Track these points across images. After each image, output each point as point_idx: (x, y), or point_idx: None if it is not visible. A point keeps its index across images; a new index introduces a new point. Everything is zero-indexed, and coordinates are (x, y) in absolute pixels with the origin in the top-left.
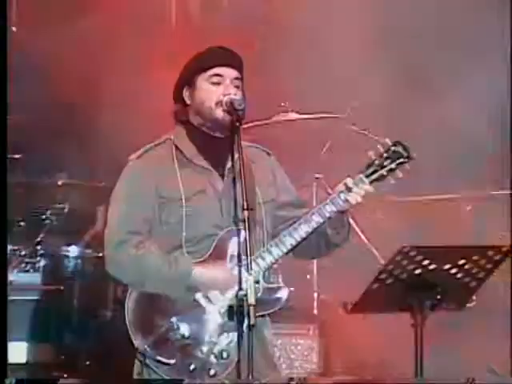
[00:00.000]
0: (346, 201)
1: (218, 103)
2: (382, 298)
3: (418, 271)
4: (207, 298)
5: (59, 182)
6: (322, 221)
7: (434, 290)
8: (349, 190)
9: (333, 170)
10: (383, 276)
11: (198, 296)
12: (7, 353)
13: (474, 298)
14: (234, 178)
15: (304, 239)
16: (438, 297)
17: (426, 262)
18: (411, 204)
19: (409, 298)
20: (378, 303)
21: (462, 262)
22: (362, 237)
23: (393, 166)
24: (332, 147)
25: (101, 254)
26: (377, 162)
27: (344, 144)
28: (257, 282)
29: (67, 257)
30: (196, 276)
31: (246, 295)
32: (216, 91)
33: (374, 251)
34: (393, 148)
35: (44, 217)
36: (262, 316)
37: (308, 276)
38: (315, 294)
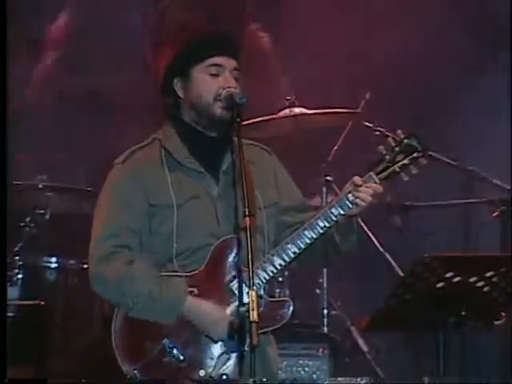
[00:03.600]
0: (355, 202)
1: (217, 97)
2: (400, 315)
3: (440, 285)
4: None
5: (40, 185)
6: (328, 225)
7: (458, 306)
8: (357, 189)
9: (344, 172)
10: (401, 290)
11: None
12: (6, 353)
13: (502, 314)
14: (232, 181)
15: (308, 246)
16: (463, 313)
17: (449, 275)
18: (433, 208)
19: (430, 315)
20: (395, 321)
21: (489, 274)
22: (377, 244)
23: (406, 161)
24: (344, 146)
25: (86, 266)
26: (388, 157)
27: (358, 142)
28: (260, 296)
29: (48, 269)
30: (188, 308)
31: (247, 311)
32: (214, 83)
33: (392, 261)
34: (406, 141)
35: (22, 224)
36: (265, 333)
37: (317, 290)
38: (325, 311)
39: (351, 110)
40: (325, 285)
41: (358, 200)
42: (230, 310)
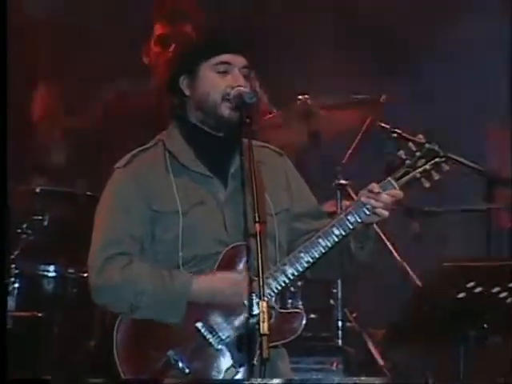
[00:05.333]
0: (372, 209)
1: (225, 97)
2: (418, 328)
3: (460, 295)
4: (210, 327)
5: (37, 189)
6: (343, 234)
7: (479, 319)
8: (375, 196)
9: (360, 175)
10: (419, 301)
11: (199, 325)
12: (6, 351)
13: None
14: (241, 185)
15: (322, 255)
16: (485, 326)
17: (470, 285)
18: (453, 214)
19: (450, 328)
20: (412, 334)
21: None
22: (394, 253)
23: (427, 166)
24: (360, 148)
25: (86, 275)
26: (408, 161)
27: (374, 144)
28: (271, 307)
29: (46, 277)
30: (198, 288)
31: (257, 323)
32: (222, 82)
33: (409, 271)
34: (427, 145)
35: (19, 230)
36: (276, 346)
37: (332, 301)
38: (340, 323)
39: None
40: (339, 295)
41: (377, 210)
42: (238, 321)
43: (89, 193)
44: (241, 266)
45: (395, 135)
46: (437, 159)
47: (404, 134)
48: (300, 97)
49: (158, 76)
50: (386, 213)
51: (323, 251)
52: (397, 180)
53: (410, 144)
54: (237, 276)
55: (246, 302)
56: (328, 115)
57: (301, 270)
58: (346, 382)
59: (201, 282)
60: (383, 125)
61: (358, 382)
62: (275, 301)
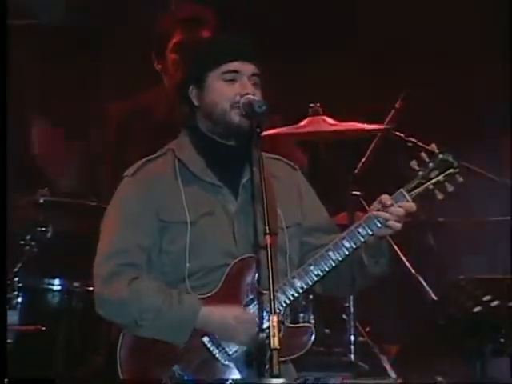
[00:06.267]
0: (384, 222)
1: (234, 105)
2: (434, 342)
3: (477, 309)
4: (217, 341)
5: (41, 200)
6: (354, 247)
7: (496, 332)
8: (386, 208)
9: (373, 186)
10: (435, 315)
11: (206, 339)
12: (6, 350)
13: None
14: (252, 196)
15: (332, 269)
16: (502, 340)
17: (486, 298)
18: (469, 225)
19: (466, 342)
20: (428, 348)
21: None
22: (409, 265)
23: (440, 178)
24: (372, 158)
25: (91, 288)
26: (421, 173)
27: (388, 153)
28: (282, 322)
29: (51, 291)
30: (205, 315)
31: (267, 338)
32: (231, 90)
33: (424, 284)
34: (440, 156)
35: (22, 242)
36: (283, 362)
37: (344, 315)
38: (352, 337)
39: (378, 127)
40: (352, 309)
41: (389, 223)
42: (244, 336)
43: (94, 203)
44: (249, 279)
45: (410, 144)
46: (451, 170)
47: (414, 140)
48: (312, 104)
49: (171, 82)
50: (398, 225)
51: (333, 264)
52: (409, 192)
53: (423, 154)
54: (244, 314)
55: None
56: (339, 123)
57: (310, 283)
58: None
59: (207, 312)
60: (398, 133)
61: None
62: (284, 314)
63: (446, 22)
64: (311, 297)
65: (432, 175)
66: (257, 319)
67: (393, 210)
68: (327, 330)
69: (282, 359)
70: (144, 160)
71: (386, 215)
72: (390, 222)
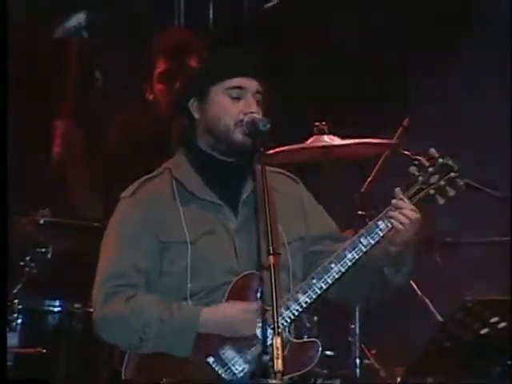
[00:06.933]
0: (386, 229)
1: (238, 123)
2: (440, 364)
3: (484, 331)
4: (222, 361)
5: (41, 221)
6: (357, 257)
7: (504, 355)
8: (388, 215)
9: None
10: (441, 337)
11: (211, 360)
12: (6, 348)
13: None
14: (253, 212)
15: (336, 281)
16: (509, 363)
17: (494, 320)
18: (477, 245)
19: (473, 365)
20: (434, 370)
21: None
22: (414, 286)
23: (442, 182)
24: (379, 177)
25: (91, 310)
26: (421, 178)
27: (393, 173)
28: (287, 341)
29: (51, 313)
30: (205, 318)
31: (271, 359)
32: (235, 108)
33: (430, 305)
34: (440, 160)
35: (22, 263)
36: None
37: (349, 338)
38: (358, 360)
39: (387, 141)
40: (357, 331)
41: (392, 220)
42: (251, 355)
43: (95, 224)
44: (251, 296)
45: (417, 162)
46: (451, 174)
47: (421, 158)
48: (317, 123)
49: (163, 112)
50: (399, 225)
51: (336, 276)
52: (410, 198)
53: (423, 159)
54: (246, 305)
55: (258, 333)
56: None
57: (314, 297)
58: None
59: (208, 312)
60: (405, 152)
61: None
62: (289, 330)
63: None
64: (316, 318)
65: (432, 180)
66: (257, 309)
67: (394, 215)
68: (331, 353)
69: (290, 375)
70: (141, 180)
71: (387, 221)
72: (393, 221)
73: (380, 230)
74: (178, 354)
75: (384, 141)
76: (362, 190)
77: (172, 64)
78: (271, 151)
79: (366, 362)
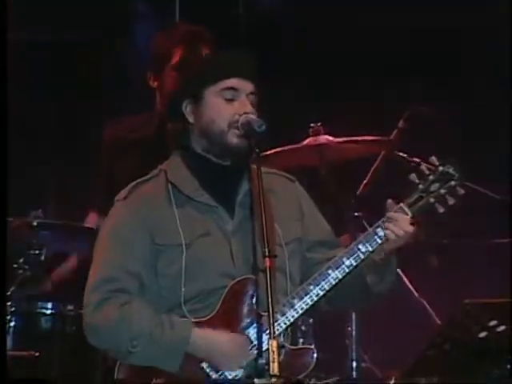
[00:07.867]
0: (384, 237)
1: (232, 124)
2: (439, 368)
3: (482, 334)
4: (216, 367)
5: (34, 223)
6: (355, 264)
7: (502, 358)
8: (387, 223)
9: (375, 208)
10: (439, 340)
11: (205, 365)
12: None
13: None
14: (249, 214)
15: (333, 287)
16: (508, 366)
17: (493, 323)
18: (475, 247)
19: (471, 368)
20: (432, 374)
21: None
22: (412, 289)
23: (442, 191)
24: (375, 179)
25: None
26: (421, 186)
27: (390, 175)
28: (282, 346)
29: (44, 315)
30: (196, 340)
31: (267, 364)
32: (229, 109)
33: (428, 308)
34: (441, 168)
35: (15, 265)
36: None
37: (346, 341)
38: (354, 363)
39: (382, 138)
40: (354, 334)
41: (387, 231)
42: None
43: (88, 226)
44: (247, 301)
45: (414, 164)
46: (452, 182)
47: (418, 161)
48: (312, 124)
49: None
50: (394, 237)
51: (333, 283)
52: (410, 206)
53: (423, 167)
54: (236, 337)
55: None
56: (339, 143)
57: (311, 303)
58: None
59: (198, 336)
60: (401, 154)
61: None
62: (284, 336)
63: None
64: (311, 321)
65: (432, 188)
66: (251, 343)
67: (393, 223)
68: (328, 356)
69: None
70: (135, 182)
71: (386, 225)
72: (388, 232)
73: (379, 237)
74: (165, 369)
75: (379, 138)
76: (358, 192)
77: (188, 51)
78: (266, 152)
79: (363, 365)
